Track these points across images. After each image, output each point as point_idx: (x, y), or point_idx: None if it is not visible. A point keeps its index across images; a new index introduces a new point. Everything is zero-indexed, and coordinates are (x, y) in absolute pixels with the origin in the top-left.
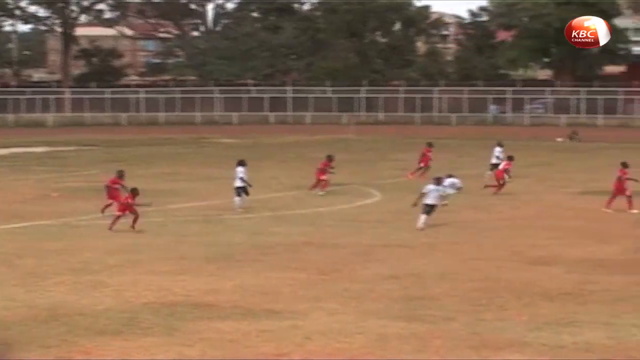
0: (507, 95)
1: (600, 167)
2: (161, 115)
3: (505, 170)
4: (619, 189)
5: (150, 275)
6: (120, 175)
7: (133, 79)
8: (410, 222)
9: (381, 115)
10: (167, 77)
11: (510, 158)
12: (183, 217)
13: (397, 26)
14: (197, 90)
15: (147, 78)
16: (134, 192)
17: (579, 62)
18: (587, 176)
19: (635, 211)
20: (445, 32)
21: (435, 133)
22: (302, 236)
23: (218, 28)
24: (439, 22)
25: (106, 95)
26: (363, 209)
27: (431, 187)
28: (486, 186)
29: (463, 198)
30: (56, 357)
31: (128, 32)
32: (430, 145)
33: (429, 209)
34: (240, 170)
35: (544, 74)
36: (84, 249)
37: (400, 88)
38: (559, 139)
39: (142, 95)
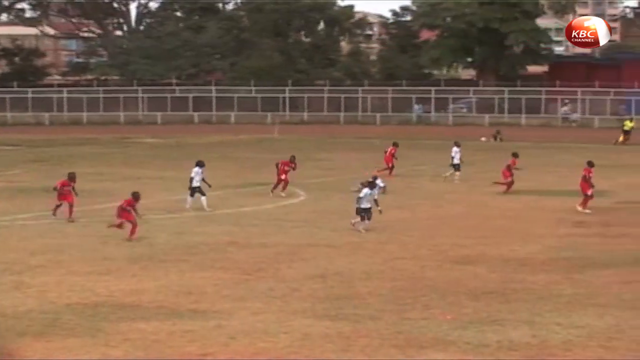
0: (431, 95)
1: (522, 166)
2: (84, 115)
3: (509, 167)
4: (585, 188)
5: (74, 276)
6: (71, 177)
7: (55, 78)
8: (336, 222)
9: (305, 115)
10: (90, 77)
11: (515, 155)
12: (107, 217)
13: (321, 26)
14: (120, 89)
15: (69, 78)
16: (136, 197)
17: (501, 62)
18: None
19: (581, 209)
20: (369, 32)
21: (360, 133)
22: (227, 236)
23: (141, 27)
24: (363, 22)
25: (28, 95)
26: (288, 208)
27: (366, 191)
28: (496, 183)
29: (388, 198)
30: None
31: (50, 31)
32: (395, 145)
33: (364, 212)
34: (194, 171)
35: (468, 73)
36: (6, 249)
37: (325, 88)
38: (483, 139)
39: (64, 95)
